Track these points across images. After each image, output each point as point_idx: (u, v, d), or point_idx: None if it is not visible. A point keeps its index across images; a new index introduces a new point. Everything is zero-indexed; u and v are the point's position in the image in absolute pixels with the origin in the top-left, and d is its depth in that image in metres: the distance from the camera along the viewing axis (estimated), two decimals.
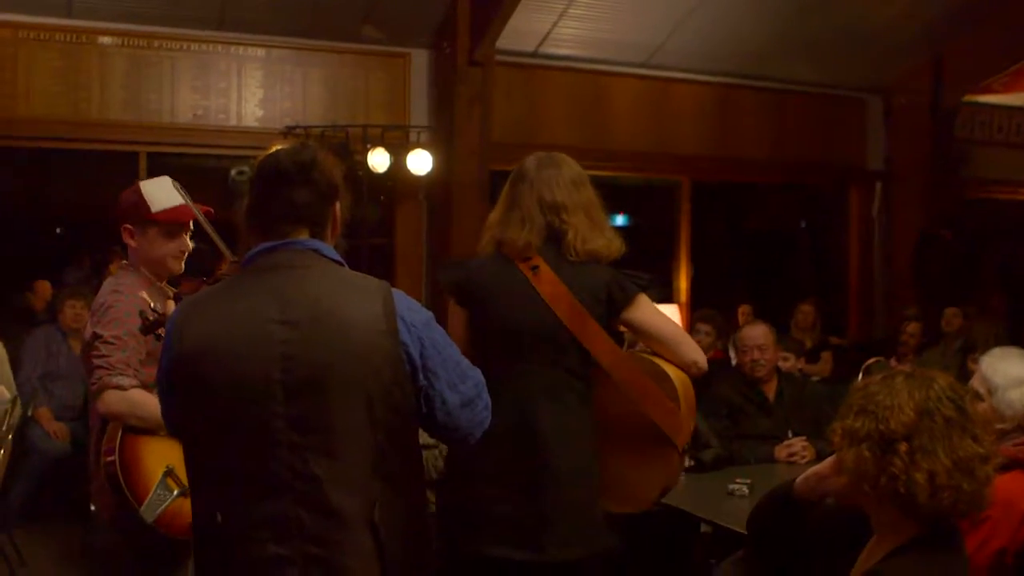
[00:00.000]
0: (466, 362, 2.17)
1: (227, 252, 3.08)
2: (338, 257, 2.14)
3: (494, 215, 2.97)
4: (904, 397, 1.94)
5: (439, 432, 2.16)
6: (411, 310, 2.08)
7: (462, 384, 2.12)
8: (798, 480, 2.24)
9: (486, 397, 2.19)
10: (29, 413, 5.71)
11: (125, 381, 2.81)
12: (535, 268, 2.78)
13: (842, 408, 2.05)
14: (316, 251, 2.10)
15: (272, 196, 2.10)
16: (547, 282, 2.77)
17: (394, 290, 2.09)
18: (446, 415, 2.10)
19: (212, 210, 3.14)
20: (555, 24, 7.82)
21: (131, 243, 3.08)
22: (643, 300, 2.85)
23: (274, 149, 2.15)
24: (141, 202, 3.05)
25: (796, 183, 9.73)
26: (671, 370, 2.81)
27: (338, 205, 2.18)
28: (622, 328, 2.98)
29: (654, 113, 8.65)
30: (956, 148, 9.42)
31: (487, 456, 2.69)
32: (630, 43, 8.20)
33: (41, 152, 7.48)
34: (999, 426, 2.84)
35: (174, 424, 2.20)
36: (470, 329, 2.88)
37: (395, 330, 2.02)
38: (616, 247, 2.89)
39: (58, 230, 11.02)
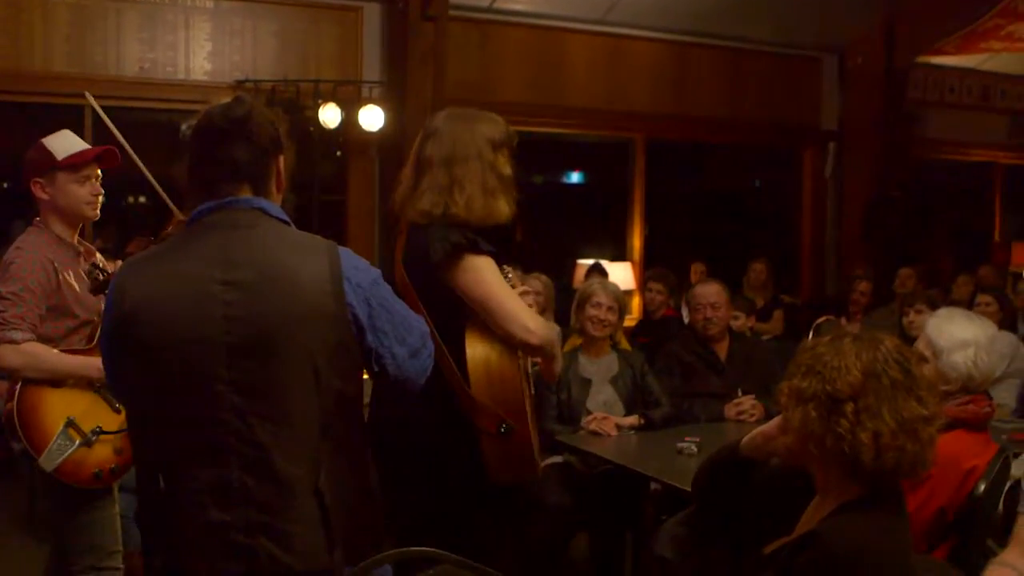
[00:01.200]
0: (411, 314, 2.16)
1: (176, 210, 3.05)
2: (284, 216, 2.10)
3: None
4: (851, 358, 1.95)
5: (391, 386, 2.14)
6: (357, 269, 2.04)
7: (409, 336, 2.11)
8: (744, 440, 2.26)
9: (430, 345, 2.19)
10: None
11: (18, 335, 2.88)
12: (399, 235, 2.72)
13: (790, 368, 2.06)
14: (261, 210, 2.05)
15: (209, 155, 2.05)
16: (398, 251, 2.71)
17: (341, 249, 2.05)
18: (397, 369, 2.09)
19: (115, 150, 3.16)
20: None
21: (43, 196, 3.11)
22: (462, 263, 2.59)
23: (207, 107, 2.09)
24: (45, 153, 3.09)
25: (751, 142, 9.75)
26: (472, 346, 2.61)
27: (281, 159, 2.12)
28: None
29: (609, 70, 8.61)
30: (909, 109, 9.49)
31: None
32: None
33: None
34: (944, 388, 2.87)
35: (117, 386, 2.15)
36: None
37: (341, 292, 1.98)
38: (474, 211, 2.65)
39: (4, 184, 10.76)
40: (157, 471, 2.01)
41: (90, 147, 3.12)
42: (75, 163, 3.07)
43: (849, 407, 1.92)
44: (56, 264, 3.01)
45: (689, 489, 2.99)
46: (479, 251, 2.62)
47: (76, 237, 3.17)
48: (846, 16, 8.80)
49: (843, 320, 7.45)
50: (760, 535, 2.15)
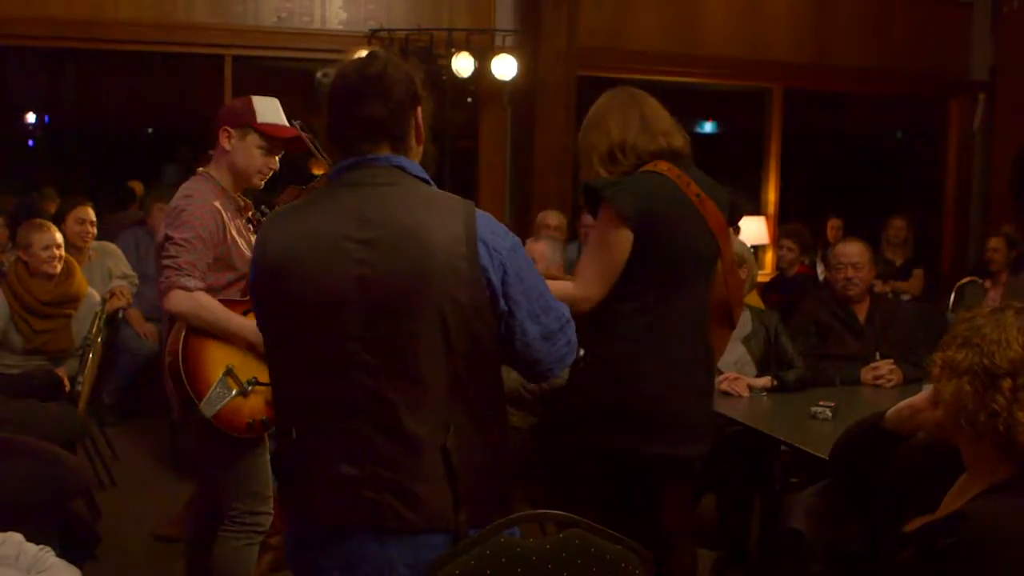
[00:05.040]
0: (551, 294, 2.09)
1: (327, 160, 3.09)
2: (423, 174, 2.07)
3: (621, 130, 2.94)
4: (1013, 332, 1.83)
5: (517, 364, 2.10)
6: (494, 234, 2.00)
7: (544, 316, 2.05)
8: (889, 412, 2.15)
9: (570, 334, 2.11)
10: (120, 315, 5.83)
11: (191, 282, 2.95)
12: (699, 195, 2.88)
13: (945, 338, 1.95)
14: (400, 168, 2.03)
15: (346, 114, 2.03)
16: (711, 212, 2.90)
17: (479, 212, 2.01)
18: (525, 346, 2.03)
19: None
20: None
21: (226, 146, 3.17)
22: None
23: (342, 63, 2.07)
24: (248, 109, 3.15)
25: (894, 93, 9.35)
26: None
27: (419, 111, 2.08)
28: None
29: (747, 17, 8.37)
30: None
31: (677, 368, 2.88)
32: None
33: (128, 55, 7.52)
34: None
35: (264, 335, 2.19)
36: (635, 253, 2.85)
37: (475, 253, 1.95)
38: None
39: (149, 129, 11.13)
40: (290, 422, 2.05)
41: (288, 126, 3.19)
42: (270, 133, 3.14)
43: (1007, 383, 1.81)
44: (225, 215, 3.08)
45: (821, 455, 2.91)
46: None
47: (239, 193, 3.23)
48: None
49: (987, 283, 7.12)
50: (901, 513, 2.06)
